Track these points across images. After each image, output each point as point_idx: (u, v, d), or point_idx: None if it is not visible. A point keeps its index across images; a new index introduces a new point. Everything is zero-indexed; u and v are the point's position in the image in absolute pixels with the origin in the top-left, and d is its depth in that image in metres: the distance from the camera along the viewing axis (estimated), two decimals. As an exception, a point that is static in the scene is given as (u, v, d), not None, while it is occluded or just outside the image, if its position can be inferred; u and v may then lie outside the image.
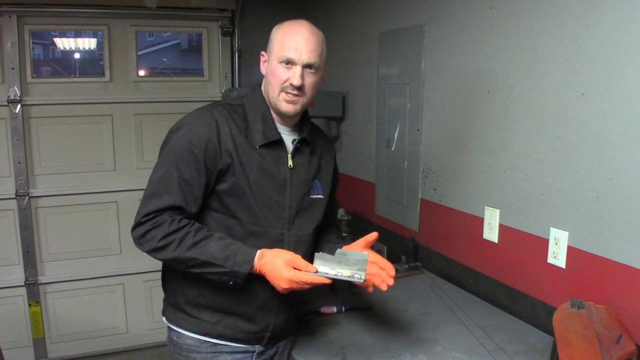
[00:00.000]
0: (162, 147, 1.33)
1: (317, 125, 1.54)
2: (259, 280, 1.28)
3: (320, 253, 1.27)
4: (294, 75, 1.27)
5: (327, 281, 1.24)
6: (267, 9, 3.25)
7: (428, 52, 2.16)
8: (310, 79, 1.30)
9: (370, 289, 1.30)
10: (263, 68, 1.37)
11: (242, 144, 1.31)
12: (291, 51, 1.27)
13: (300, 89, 1.29)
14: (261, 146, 1.33)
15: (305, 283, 1.23)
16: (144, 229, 1.26)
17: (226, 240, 1.27)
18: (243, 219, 1.32)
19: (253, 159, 1.32)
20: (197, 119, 1.31)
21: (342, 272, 1.24)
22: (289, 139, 1.38)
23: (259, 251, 1.26)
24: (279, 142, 1.36)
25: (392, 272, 1.30)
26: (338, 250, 1.29)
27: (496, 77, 1.80)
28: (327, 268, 1.25)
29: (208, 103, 1.40)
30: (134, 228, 1.28)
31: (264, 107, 1.36)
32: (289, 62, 1.28)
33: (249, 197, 1.31)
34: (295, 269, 1.23)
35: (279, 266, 1.23)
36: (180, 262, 1.26)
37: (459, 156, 2.02)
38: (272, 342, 1.45)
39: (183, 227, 1.26)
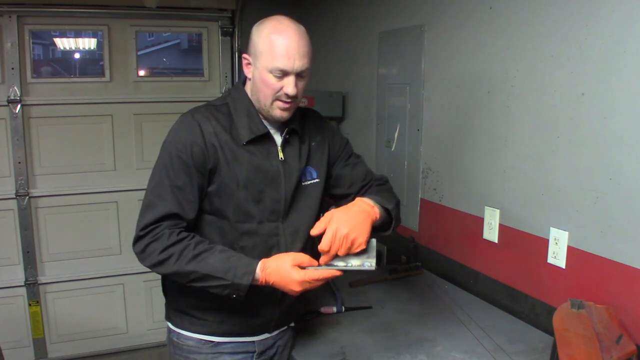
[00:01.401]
0: (157, 159, 1.32)
1: (308, 108, 1.51)
2: None
3: None
4: (288, 85, 1.25)
5: (339, 273, 1.23)
6: (267, 9, 3.20)
7: (428, 52, 2.16)
8: (301, 84, 1.29)
9: None
10: (247, 71, 1.33)
11: (227, 142, 1.29)
12: (283, 61, 1.23)
13: (294, 96, 1.27)
14: (249, 142, 1.31)
15: (317, 280, 1.21)
16: (144, 243, 1.24)
17: (227, 253, 1.25)
18: (233, 219, 1.31)
19: (241, 156, 1.30)
20: (180, 125, 1.31)
21: (352, 262, 1.23)
22: (277, 132, 1.37)
23: (260, 262, 1.24)
24: (267, 136, 1.34)
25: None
26: None
27: (496, 77, 1.80)
28: (335, 260, 1.23)
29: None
30: (134, 243, 1.27)
31: (249, 104, 1.34)
32: (282, 75, 1.25)
33: (237, 195, 1.30)
34: (301, 268, 1.22)
35: (287, 271, 1.21)
36: (182, 276, 1.24)
37: (459, 156, 2.02)
38: (277, 328, 1.46)
39: (182, 239, 1.24)
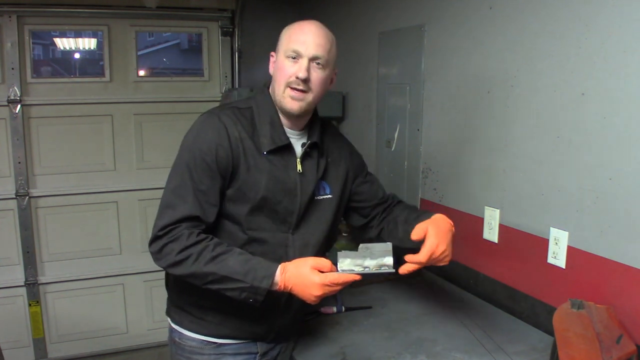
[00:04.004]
0: (177, 156, 1.30)
1: (328, 121, 1.49)
2: None
3: (343, 251, 1.25)
4: (300, 68, 1.24)
5: (357, 277, 1.21)
6: (267, 9, 3.25)
7: (428, 52, 2.16)
8: (316, 74, 1.26)
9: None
10: (271, 69, 1.33)
11: (250, 149, 1.28)
12: (298, 44, 1.24)
13: (305, 82, 1.25)
14: (269, 152, 1.30)
15: (337, 284, 1.19)
16: (162, 243, 1.22)
17: (246, 256, 1.22)
18: (244, 225, 1.30)
19: (262, 165, 1.29)
20: (206, 125, 1.28)
21: (370, 266, 1.22)
22: (297, 142, 1.35)
23: (280, 265, 1.21)
24: (288, 147, 1.33)
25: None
26: (361, 245, 1.26)
27: (496, 77, 1.80)
28: (353, 264, 1.22)
29: (213, 105, 1.38)
30: (151, 242, 1.24)
31: (272, 110, 1.32)
32: (296, 55, 1.25)
33: (251, 203, 1.28)
34: (321, 272, 1.20)
35: (307, 274, 1.19)
36: (199, 277, 1.21)
37: (459, 156, 2.02)
38: (276, 341, 1.45)
39: (201, 240, 1.22)
